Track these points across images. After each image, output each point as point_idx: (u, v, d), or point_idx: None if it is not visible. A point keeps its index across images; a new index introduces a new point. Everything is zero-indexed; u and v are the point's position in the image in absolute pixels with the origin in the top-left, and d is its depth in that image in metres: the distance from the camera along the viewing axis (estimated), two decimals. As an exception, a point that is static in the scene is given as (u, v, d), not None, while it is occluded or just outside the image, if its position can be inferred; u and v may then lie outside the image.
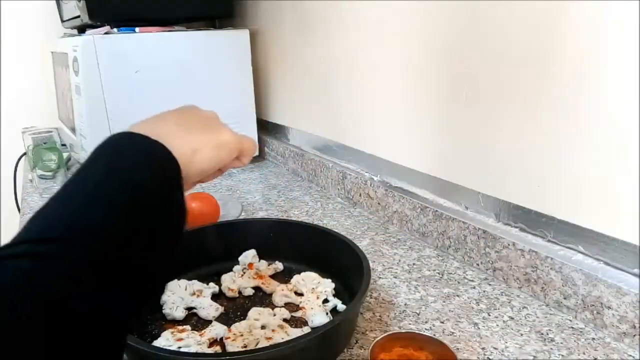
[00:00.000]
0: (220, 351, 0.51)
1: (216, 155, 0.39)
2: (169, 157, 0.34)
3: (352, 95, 0.94)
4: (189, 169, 0.35)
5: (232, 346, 0.51)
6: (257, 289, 0.64)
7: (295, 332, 0.53)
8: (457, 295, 0.62)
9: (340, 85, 0.97)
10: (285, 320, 0.56)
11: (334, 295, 0.61)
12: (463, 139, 0.70)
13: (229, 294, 0.63)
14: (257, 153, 1.26)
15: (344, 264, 0.61)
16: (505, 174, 0.65)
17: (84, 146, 1.07)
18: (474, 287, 0.64)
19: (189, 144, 0.36)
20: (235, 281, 0.64)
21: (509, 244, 0.63)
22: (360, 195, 0.93)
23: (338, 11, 0.93)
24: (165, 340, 0.52)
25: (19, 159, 1.32)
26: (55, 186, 1.07)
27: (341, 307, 0.59)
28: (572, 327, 0.55)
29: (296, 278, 0.63)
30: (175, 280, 0.63)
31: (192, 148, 0.36)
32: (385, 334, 0.47)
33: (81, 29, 1.24)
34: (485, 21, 0.63)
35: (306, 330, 0.54)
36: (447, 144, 0.74)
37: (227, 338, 0.53)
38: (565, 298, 0.57)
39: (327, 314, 0.57)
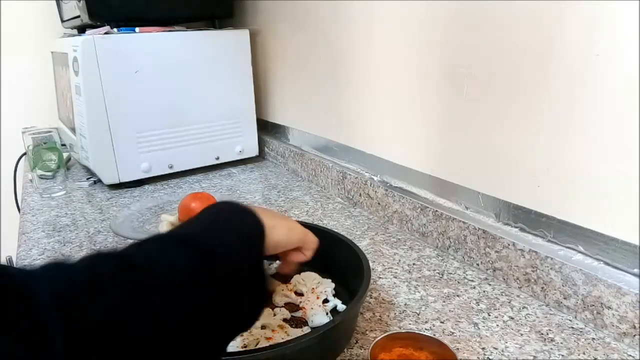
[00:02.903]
0: (220, 351, 0.51)
1: (288, 234, 0.47)
2: (259, 222, 0.43)
3: (352, 95, 0.94)
4: (269, 237, 0.44)
5: (232, 346, 0.51)
6: (257, 289, 0.64)
7: (295, 332, 0.53)
8: (457, 295, 0.62)
9: (340, 85, 0.97)
10: (285, 320, 0.56)
11: (334, 295, 0.61)
12: (463, 139, 0.70)
13: (229, 294, 0.62)
14: (257, 153, 1.27)
15: (344, 264, 0.61)
16: (505, 174, 0.65)
17: (84, 146, 1.07)
18: (474, 287, 0.64)
19: (270, 220, 0.44)
20: (235, 281, 0.64)
21: (509, 244, 0.63)
22: (360, 195, 0.93)
23: (338, 11, 0.93)
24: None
25: (19, 159, 1.32)
26: (55, 186, 1.07)
27: (341, 307, 0.59)
28: (572, 327, 0.55)
29: (296, 278, 0.63)
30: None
31: (272, 224, 0.44)
32: (385, 334, 0.47)
33: (81, 29, 1.24)
34: (485, 21, 0.63)
35: (306, 330, 0.54)
36: (447, 144, 0.74)
37: (227, 338, 0.53)
38: (565, 298, 0.57)
39: (327, 314, 0.57)
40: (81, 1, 1.05)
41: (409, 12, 0.76)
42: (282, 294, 0.61)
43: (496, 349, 0.52)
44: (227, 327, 0.37)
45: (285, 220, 0.49)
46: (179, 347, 0.31)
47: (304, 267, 0.66)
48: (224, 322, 0.36)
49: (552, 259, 0.58)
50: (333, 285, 0.62)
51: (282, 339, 0.51)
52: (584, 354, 0.51)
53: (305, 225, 0.73)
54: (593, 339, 0.53)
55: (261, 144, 1.30)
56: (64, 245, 0.81)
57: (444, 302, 0.61)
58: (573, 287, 0.56)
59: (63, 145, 1.21)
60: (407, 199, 0.80)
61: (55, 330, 0.24)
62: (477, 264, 0.69)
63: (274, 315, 0.57)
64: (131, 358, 0.28)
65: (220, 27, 1.22)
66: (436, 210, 0.74)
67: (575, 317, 0.56)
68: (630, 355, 0.50)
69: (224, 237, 0.39)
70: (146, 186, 1.12)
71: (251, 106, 1.24)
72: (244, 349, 0.51)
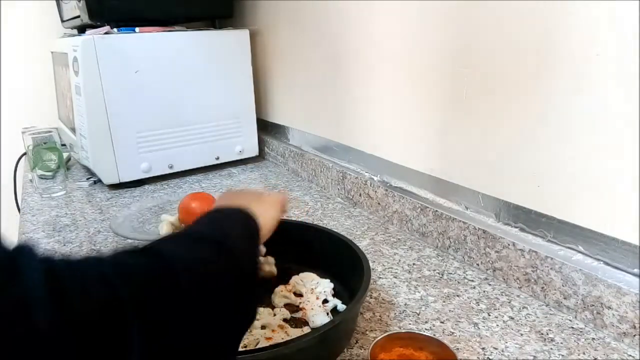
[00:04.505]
0: (220, 351, 0.51)
1: (274, 215, 0.51)
2: (255, 219, 0.46)
3: (352, 95, 0.94)
4: (263, 227, 0.47)
5: (232, 346, 0.51)
6: (257, 289, 0.64)
7: (295, 332, 0.53)
8: (457, 295, 0.62)
9: (340, 85, 0.97)
10: (285, 320, 0.56)
11: (334, 295, 0.61)
12: (463, 139, 0.70)
13: (229, 294, 0.62)
14: (257, 153, 1.27)
15: (344, 264, 0.61)
16: (505, 174, 0.65)
17: (84, 146, 1.07)
18: (474, 287, 0.64)
19: (257, 211, 0.47)
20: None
21: (509, 244, 0.63)
22: (360, 195, 0.93)
23: (338, 11, 0.93)
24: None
25: (19, 159, 1.32)
26: (55, 186, 1.07)
27: (341, 307, 0.59)
28: (572, 327, 0.55)
29: (295, 279, 0.63)
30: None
31: (260, 214, 0.47)
32: (385, 334, 0.47)
33: (81, 29, 1.24)
34: (485, 21, 0.63)
35: (306, 330, 0.54)
36: (446, 144, 0.74)
37: (227, 338, 0.52)
38: (565, 298, 0.57)
39: (327, 314, 0.57)
40: (81, 1, 1.05)
41: (408, 12, 0.76)
42: (281, 295, 0.61)
43: (496, 349, 0.52)
44: (243, 317, 0.38)
45: (261, 201, 0.52)
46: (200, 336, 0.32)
47: (304, 267, 0.66)
48: (241, 312, 0.37)
49: (552, 259, 0.58)
50: (332, 285, 0.62)
51: (282, 339, 0.51)
52: (584, 354, 0.51)
53: (306, 225, 0.74)
54: (593, 339, 0.53)
55: (261, 144, 1.30)
56: (64, 245, 0.81)
57: (444, 302, 0.61)
58: (573, 287, 0.56)
59: (63, 145, 1.21)
60: (407, 199, 0.80)
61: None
62: (477, 264, 0.69)
63: (274, 315, 0.57)
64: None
65: (220, 27, 1.22)
66: (436, 210, 0.74)
67: (575, 317, 0.56)
68: (630, 355, 0.50)
69: (232, 232, 0.42)
70: (146, 186, 1.12)
71: (251, 106, 1.24)
72: (244, 349, 0.51)
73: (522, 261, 0.61)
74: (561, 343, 0.53)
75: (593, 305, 0.54)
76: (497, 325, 0.56)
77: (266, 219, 0.48)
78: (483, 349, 0.52)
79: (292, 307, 0.59)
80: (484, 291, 0.63)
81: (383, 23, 0.82)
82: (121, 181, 1.08)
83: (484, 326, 0.56)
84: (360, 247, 0.61)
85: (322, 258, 0.66)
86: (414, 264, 0.71)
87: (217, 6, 1.21)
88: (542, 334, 0.54)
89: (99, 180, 1.11)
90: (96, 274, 0.27)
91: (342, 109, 0.98)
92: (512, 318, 0.57)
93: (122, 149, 1.06)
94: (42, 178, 1.06)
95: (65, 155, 1.17)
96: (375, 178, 0.90)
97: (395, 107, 0.83)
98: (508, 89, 0.62)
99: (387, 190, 0.85)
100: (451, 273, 0.68)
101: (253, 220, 0.45)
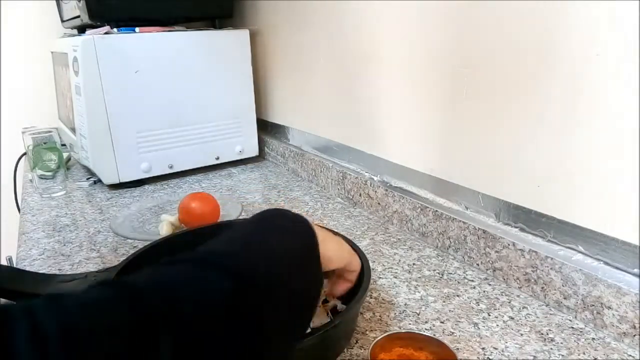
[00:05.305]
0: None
1: (339, 250, 0.45)
2: (313, 232, 0.41)
3: (353, 96, 0.94)
4: (323, 250, 0.41)
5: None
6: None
7: None
8: (457, 295, 0.62)
9: (341, 85, 0.97)
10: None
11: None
12: (463, 138, 0.70)
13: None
14: (257, 153, 1.27)
15: (344, 264, 0.61)
16: (505, 174, 0.65)
17: (84, 146, 1.07)
18: (474, 287, 0.64)
19: (320, 234, 0.42)
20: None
21: (509, 244, 0.63)
22: (360, 195, 0.93)
23: (338, 11, 0.93)
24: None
25: (19, 159, 1.32)
26: (55, 186, 1.07)
27: (341, 307, 0.59)
28: (572, 327, 0.55)
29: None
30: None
31: (322, 238, 0.41)
32: (385, 334, 0.47)
33: (81, 29, 1.24)
34: (485, 21, 0.63)
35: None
36: (447, 144, 0.74)
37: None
38: (565, 298, 0.57)
39: (327, 313, 0.57)
40: (81, 1, 1.05)
41: (409, 12, 0.76)
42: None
43: (496, 349, 0.52)
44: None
45: (334, 236, 0.47)
46: None
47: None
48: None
49: (552, 259, 0.58)
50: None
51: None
52: (584, 354, 0.51)
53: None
54: (593, 339, 0.53)
55: (261, 144, 1.30)
56: (64, 245, 0.81)
57: (444, 302, 0.61)
58: (573, 287, 0.56)
59: (63, 145, 1.21)
60: (407, 199, 0.80)
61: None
62: (477, 264, 0.69)
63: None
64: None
65: (220, 27, 1.22)
66: (436, 210, 0.74)
67: (575, 317, 0.56)
68: (630, 355, 0.50)
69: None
70: (146, 186, 1.12)
71: (251, 106, 1.24)
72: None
73: (522, 261, 0.61)
74: (561, 343, 0.53)
75: (593, 305, 0.54)
76: (497, 325, 0.56)
77: (329, 247, 0.42)
78: (483, 349, 0.52)
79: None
80: (484, 291, 0.63)
81: (383, 23, 0.82)
82: (121, 181, 1.08)
83: (484, 326, 0.56)
84: (360, 247, 0.61)
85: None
86: (414, 264, 0.71)
87: (217, 6, 1.21)
88: (542, 334, 0.54)
89: (99, 180, 1.11)
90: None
91: (342, 109, 0.98)
92: (512, 318, 0.57)
93: (122, 149, 1.06)
94: (42, 178, 1.06)
95: (65, 155, 1.17)
96: (375, 178, 0.90)
97: (396, 107, 0.83)
98: (508, 89, 0.62)
99: (387, 190, 0.85)
100: (451, 273, 0.68)
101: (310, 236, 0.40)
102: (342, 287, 0.50)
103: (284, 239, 0.39)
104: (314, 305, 0.39)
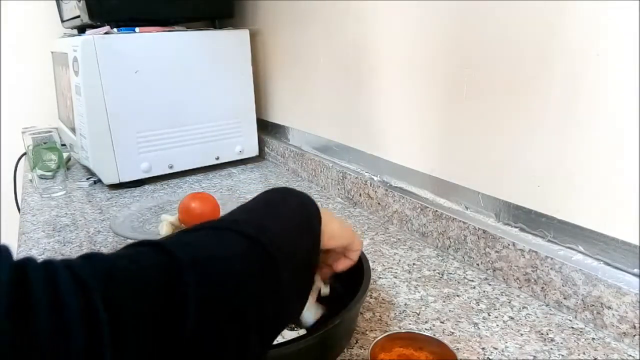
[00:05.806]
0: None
1: (341, 229, 0.47)
2: (317, 208, 0.44)
3: (352, 95, 0.94)
4: (325, 228, 0.44)
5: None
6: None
7: (291, 335, 0.53)
8: (457, 295, 0.62)
9: (341, 86, 0.97)
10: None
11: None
12: (463, 138, 0.70)
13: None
14: (257, 153, 1.27)
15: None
16: (505, 174, 0.65)
17: (84, 146, 1.07)
18: (474, 287, 0.64)
19: (324, 214, 0.44)
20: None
21: (509, 244, 0.63)
22: (360, 195, 0.93)
23: (338, 11, 0.93)
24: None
25: (19, 159, 1.32)
26: (55, 186, 1.07)
27: (324, 291, 0.58)
28: (572, 327, 0.55)
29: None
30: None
31: (327, 218, 0.44)
32: (385, 334, 0.47)
33: (81, 29, 1.24)
34: (485, 21, 0.63)
35: (302, 332, 0.54)
36: (447, 144, 0.74)
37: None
38: (565, 298, 0.57)
39: (317, 302, 0.55)
40: (81, 1, 1.05)
41: (409, 12, 0.76)
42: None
43: (496, 349, 0.52)
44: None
45: (337, 218, 0.48)
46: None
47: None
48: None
49: (552, 259, 0.58)
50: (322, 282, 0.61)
51: (277, 341, 0.51)
52: (584, 354, 0.51)
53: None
54: (593, 339, 0.53)
55: (261, 144, 1.30)
56: (64, 245, 0.81)
57: (444, 302, 0.61)
58: (573, 287, 0.56)
59: (63, 145, 1.21)
60: (407, 199, 0.80)
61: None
62: (477, 264, 0.69)
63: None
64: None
65: (220, 27, 1.22)
66: (436, 210, 0.74)
67: (575, 317, 0.56)
68: (630, 355, 0.50)
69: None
70: (146, 186, 1.12)
71: (251, 106, 1.24)
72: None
73: (522, 261, 0.61)
74: (561, 343, 0.53)
75: (593, 305, 0.54)
76: (497, 325, 0.56)
77: (331, 227, 0.44)
78: (483, 349, 0.52)
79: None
80: (484, 291, 0.63)
81: (383, 23, 0.82)
82: (121, 181, 1.08)
83: (484, 326, 0.56)
84: (360, 247, 0.61)
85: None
86: (414, 264, 0.71)
87: (217, 6, 1.21)
88: (542, 334, 0.54)
89: (99, 180, 1.11)
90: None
91: (342, 109, 0.98)
92: (512, 318, 0.57)
93: (122, 149, 1.06)
94: (42, 178, 1.06)
95: (65, 155, 1.17)
96: (375, 178, 0.90)
97: (396, 107, 0.83)
98: (508, 88, 0.62)
99: (387, 190, 0.85)
100: (451, 273, 0.68)
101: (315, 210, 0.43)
102: (344, 264, 0.51)
103: (291, 206, 0.43)
104: (315, 267, 0.43)
